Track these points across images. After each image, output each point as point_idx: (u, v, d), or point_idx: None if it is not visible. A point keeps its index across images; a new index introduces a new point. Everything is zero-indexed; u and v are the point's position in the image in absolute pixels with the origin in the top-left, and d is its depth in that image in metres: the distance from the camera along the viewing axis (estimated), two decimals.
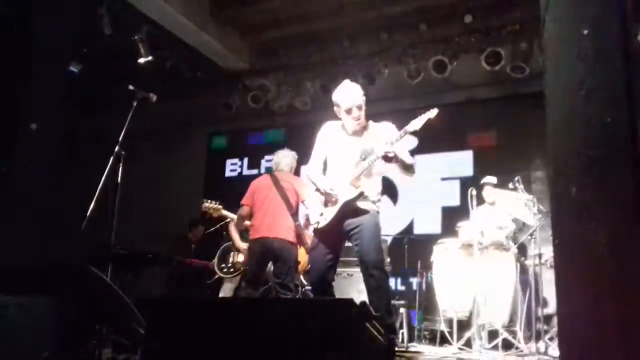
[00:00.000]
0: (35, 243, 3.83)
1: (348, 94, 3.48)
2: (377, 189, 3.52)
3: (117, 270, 3.53)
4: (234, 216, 5.02)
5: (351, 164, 3.43)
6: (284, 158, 4.89)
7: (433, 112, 3.43)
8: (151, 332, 2.19)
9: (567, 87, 1.89)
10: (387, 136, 3.38)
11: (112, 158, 3.43)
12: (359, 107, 3.45)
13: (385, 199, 3.64)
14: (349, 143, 3.51)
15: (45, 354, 2.32)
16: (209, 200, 5.34)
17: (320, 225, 3.45)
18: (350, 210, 3.39)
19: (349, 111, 3.44)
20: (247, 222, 4.82)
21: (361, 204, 3.40)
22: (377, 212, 3.47)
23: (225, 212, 5.30)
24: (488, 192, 5.33)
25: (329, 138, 3.62)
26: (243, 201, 4.70)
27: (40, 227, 3.91)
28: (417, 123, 3.39)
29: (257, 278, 4.57)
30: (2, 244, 3.60)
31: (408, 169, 3.46)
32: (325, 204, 3.47)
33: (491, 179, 5.42)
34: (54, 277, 2.68)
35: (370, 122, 3.60)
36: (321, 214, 3.46)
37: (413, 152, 7.28)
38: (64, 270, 2.63)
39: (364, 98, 3.47)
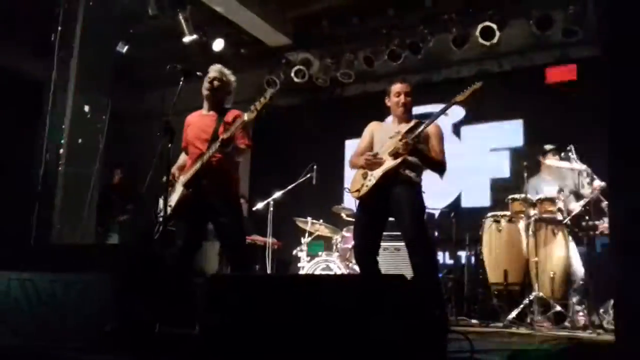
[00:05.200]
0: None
1: (398, 81, 3.65)
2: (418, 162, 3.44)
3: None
4: None
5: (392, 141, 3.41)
6: None
7: (478, 84, 3.39)
8: (209, 308, 2.25)
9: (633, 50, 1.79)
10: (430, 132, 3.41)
11: (161, 136, 3.50)
12: (407, 94, 3.56)
13: (430, 172, 3.55)
14: (393, 131, 3.53)
15: (108, 327, 2.43)
16: None
17: (361, 193, 3.41)
18: (390, 179, 3.35)
19: (397, 94, 3.56)
20: None
21: (401, 173, 3.36)
22: (419, 183, 3.43)
23: None
24: (548, 162, 5.09)
25: (376, 128, 3.72)
26: None
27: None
28: (461, 96, 3.38)
29: None
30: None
31: (431, 165, 3.43)
32: (366, 175, 3.45)
33: (551, 147, 5.17)
34: (115, 255, 2.80)
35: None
36: (362, 184, 3.44)
37: (460, 123, 7.20)
38: (124, 248, 2.73)
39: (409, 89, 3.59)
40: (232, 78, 3.71)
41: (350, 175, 3.75)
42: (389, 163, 3.35)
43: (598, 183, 4.31)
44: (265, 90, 3.50)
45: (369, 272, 3.39)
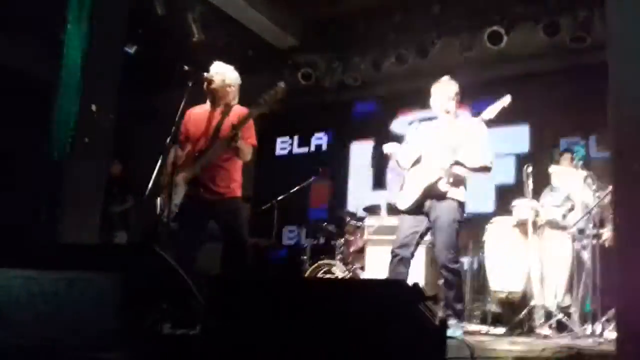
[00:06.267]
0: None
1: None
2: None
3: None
4: None
5: (440, 152, 3.64)
6: None
7: (506, 100, 3.61)
8: (211, 309, 2.26)
9: (634, 56, 1.80)
10: (465, 131, 3.62)
11: (169, 139, 3.50)
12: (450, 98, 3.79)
13: None
14: (439, 130, 3.77)
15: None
16: None
17: (404, 207, 3.69)
18: (430, 193, 3.59)
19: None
20: None
21: (442, 186, 3.56)
22: (460, 201, 3.62)
23: None
24: (552, 169, 5.07)
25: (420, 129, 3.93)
26: None
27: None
28: (490, 112, 3.61)
29: None
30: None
31: (477, 170, 3.65)
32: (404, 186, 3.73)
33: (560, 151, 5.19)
34: (118, 254, 2.81)
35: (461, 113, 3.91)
36: (404, 196, 3.70)
37: None
38: (127, 247, 2.74)
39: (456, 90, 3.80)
40: (235, 74, 3.69)
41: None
42: (430, 180, 3.62)
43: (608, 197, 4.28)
44: (276, 85, 3.41)
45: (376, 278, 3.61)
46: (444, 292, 3.62)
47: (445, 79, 3.86)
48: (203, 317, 2.35)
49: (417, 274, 4.71)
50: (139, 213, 6.31)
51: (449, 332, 3.10)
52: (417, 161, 3.76)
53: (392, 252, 3.68)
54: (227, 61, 3.80)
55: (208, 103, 3.67)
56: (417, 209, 3.65)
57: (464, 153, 3.59)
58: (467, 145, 3.61)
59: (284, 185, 5.50)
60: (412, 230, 3.65)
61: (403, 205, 3.72)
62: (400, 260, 3.62)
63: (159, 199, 3.48)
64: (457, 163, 3.57)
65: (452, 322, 3.46)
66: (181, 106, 3.44)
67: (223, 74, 3.62)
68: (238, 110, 3.52)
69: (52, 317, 2.57)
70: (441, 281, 3.78)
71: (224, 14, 6.48)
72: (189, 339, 2.53)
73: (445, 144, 3.63)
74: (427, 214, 3.65)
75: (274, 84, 3.46)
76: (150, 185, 3.53)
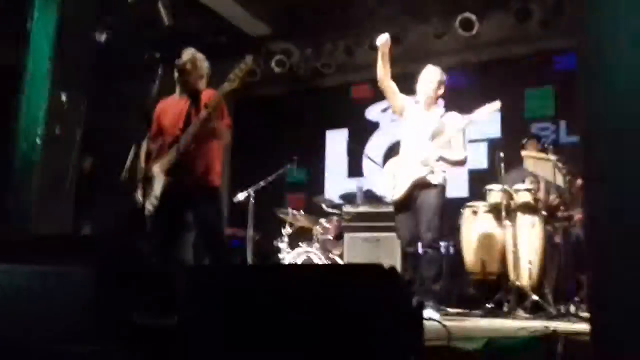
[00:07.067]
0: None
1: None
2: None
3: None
4: None
5: (421, 140, 3.87)
6: None
7: (496, 104, 3.85)
8: (189, 298, 2.25)
9: (605, 39, 1.81)
10: (450, 124, 3.89)
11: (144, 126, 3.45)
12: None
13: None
14: (420, 117, 3.99)
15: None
16: None
17: (394, 198, 3.93)
18: (419, 184, 3.81)
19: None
20: None
21: (430, 177, 3.81)
22: (444, 185, 3.86)
23: None
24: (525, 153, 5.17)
25: (408, 102, 4.11)
26: None
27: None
28: (480, 114, 3.86)
29: None
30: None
31: (455, 164, 3.94)
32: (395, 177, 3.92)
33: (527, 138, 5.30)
34: (91, 246, 2.77)
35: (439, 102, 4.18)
36: (393, 188, 3.93)
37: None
38: (100, 239, 2.71)
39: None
40: (206, 62, 3.64)
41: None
42: (417, 174, 3.83)
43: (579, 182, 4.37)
44: (244, 59, 3.36)
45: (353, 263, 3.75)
46: (424, 273, 3.78)
47: (432, 66, 4.09)
48: (181, 307, 2.34)
49: (396, 260, 4.77)
50: (111, 206, 6.21)
51: (427, 314, 3.19)
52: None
53: (403, 250, 4.05)
54: (199, 49, 3.74)
55: (177, 92, 3.60)
56: (405, 200, 3.89)
57: (447, 148, 3.87)
58: (451, 140, 3.89)
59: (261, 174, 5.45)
60: (412, 225, 3.90)
61: (393, 197, 3.98)
62: (414, 256, 3.90)
63: (138, 192, 3.42)
64: (441, 158, 3.83)
65: (429, 304, 3.53)
66: (153, 92, 3.39)
67: (195, 61, 3.56)
68: (207, 93, 3.46)
69: (25, 311, 2.53)
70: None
71: (195, 1, 6.38)
72: (166, 329, 2.52)
73: (428, 135, 3.89)
74: (414, 201, 3.87)
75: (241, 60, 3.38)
76: (122, 177, 3.48)
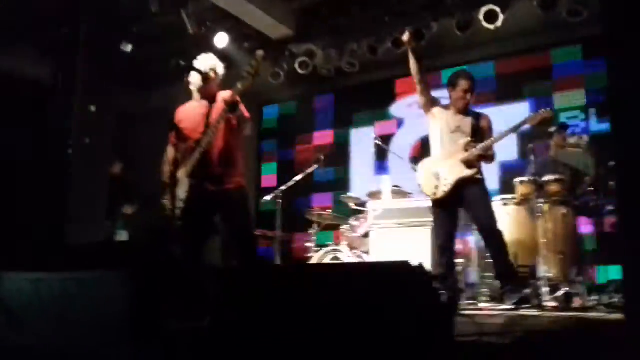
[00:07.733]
0: None
1: (468, 78, 4.15)
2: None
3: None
4: None
5: (458, 140, 4.05)
6: None
7: (548, 112, 3.97)
8: (221, 301, 2.28)
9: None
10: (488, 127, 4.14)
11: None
12: (473, 92, 4.14)
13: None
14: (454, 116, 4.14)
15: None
16: None
17: (437, 196, 4.04)
18: (463, 181, 3.96)
19: (464, 91, 4.08)
20: None
21: (471, 173, 3.98)
22: (483, 178, 4.06)
23: None
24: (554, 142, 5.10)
25: (440, 109, 4.22)
26: None
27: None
28: (531, 121, 4.00)
29: None
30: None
31: (489, 161, 4.16)
32: (438, 177, 4.04)
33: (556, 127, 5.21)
34: (125, 252, 2.83)
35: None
36: (436, 187, 4.04)
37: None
38: (132, 245, 2.76)
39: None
40: (222, 65, 3.68)
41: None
42: (460, 174, 3.98)
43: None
44: (255, 55, 3.40)
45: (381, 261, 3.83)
46: (493, 263, 4.05)
47: (464, 73, 4.27)
48: (213, 310, 2.37)
49: (423, 256, 4.73)
50: (143, 212, 6.33)
51: (510, 300, 3.71)
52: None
53: (440, 247, 4.13)
54: (223, 54, 3.79)
55: (196, 97, 3.64)
56: (448, 197, 4.03)
57: (483, 145, 4.03)
58: (485, 138, 4.08)
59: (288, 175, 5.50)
60: (451, 223, 4.08)
61: (434, 195, 4.09)
62: (450, 252, 4.07)
63: (165, 199, 3.47)
64: (480, 157, 4.04)
65: (509, 294, 3.90)
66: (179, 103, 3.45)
67: (216, 68, 3.61)
68: (223, 94, 3.49)
69: (62, 317, 2.60)
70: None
71: (217, 8, 6.46)
72: (199, 332, 2.56)
73: (466, 133, 4.08)
74: (459, 199, 4.02)
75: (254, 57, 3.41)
76: (153, 181, 3.55)
